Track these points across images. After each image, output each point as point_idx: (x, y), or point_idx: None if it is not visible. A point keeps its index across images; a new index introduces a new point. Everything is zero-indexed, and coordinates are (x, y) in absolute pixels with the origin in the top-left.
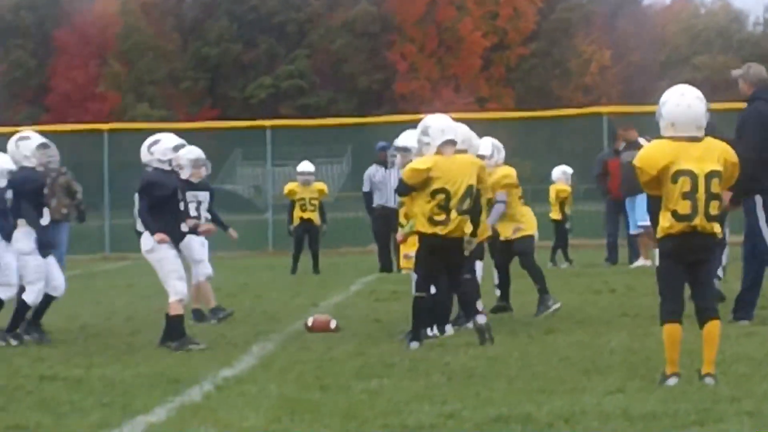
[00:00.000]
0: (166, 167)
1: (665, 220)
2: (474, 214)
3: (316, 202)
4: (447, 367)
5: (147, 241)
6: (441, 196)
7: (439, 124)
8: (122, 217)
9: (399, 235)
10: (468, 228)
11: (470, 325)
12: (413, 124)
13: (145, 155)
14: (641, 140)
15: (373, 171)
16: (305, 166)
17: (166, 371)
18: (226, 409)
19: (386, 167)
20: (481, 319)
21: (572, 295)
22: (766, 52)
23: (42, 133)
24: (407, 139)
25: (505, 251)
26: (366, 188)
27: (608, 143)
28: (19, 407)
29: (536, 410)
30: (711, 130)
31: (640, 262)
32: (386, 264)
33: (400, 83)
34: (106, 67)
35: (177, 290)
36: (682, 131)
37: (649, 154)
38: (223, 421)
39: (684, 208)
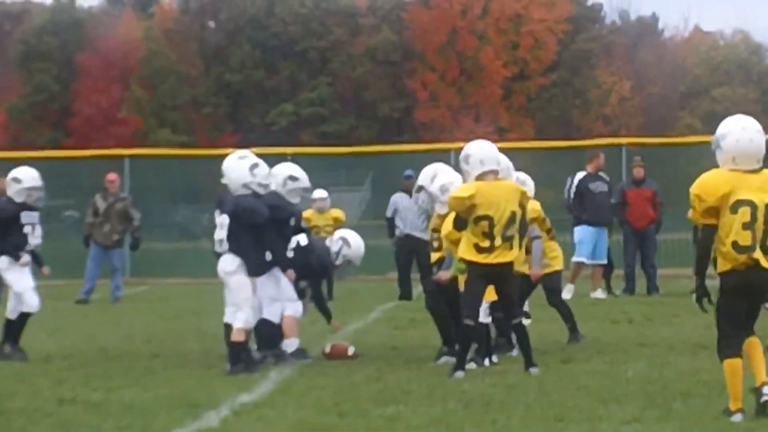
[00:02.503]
0: (262, 191)
1: (725, 256)
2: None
3: (330, 229)
4: (464, 394)
5: (230, 262)
6: (485, 223)
7: (480, 155)
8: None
9: (443, 275)
10: (512, 257)
11: (515, 353)
12: (433, 153)
13: (245, 176)
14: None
15: (398, 198)
16: (318, 192)
17: (184, 395)
18: None
19: (411, 195)
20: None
21: (590, 324)
22: None
23: (63, 159)
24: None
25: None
26: (389, 214)
27: (627, 173)
28: (38, 430)
29: None
30: None
31: (598, 293)
32: (406, 292)
33: (420, 111)
34: (128, 91)
35: (247, 319)
36: (742, 165)
37: (709, 182)
38: None
39: (744, 239)
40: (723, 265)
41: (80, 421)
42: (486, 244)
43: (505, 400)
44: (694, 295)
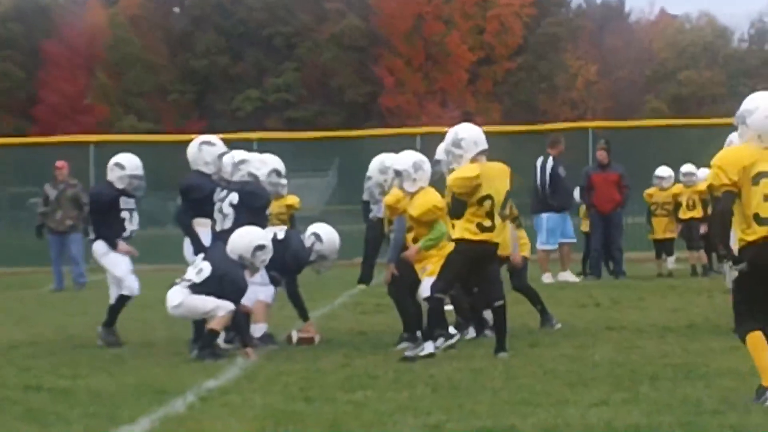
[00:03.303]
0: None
1: (745, 228)
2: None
3: (284, 217)
4: (432, 379)
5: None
6: (488, 203)
7: (473, 137)
8: None
9: (411, 252)
10: (501, 238)
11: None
12: (399, 138)
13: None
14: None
15: None
16: None
17: (151, 382)
18: (210, 420)
19: None
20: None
21: (557, 309)
22: (751, 68)
23: (28, 145)
24: (403, 161)
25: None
26: (365, 197)
27: (593, 157)
28: (4, 418)
29: (521, 422)
30: None
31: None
32: (366, 275)
33: (386, 97)
34: (94, 79)
35: (230, 308)
36: (767, 142)
37: (730, 155)
38: None
39: (766, 211)
40: (742, 239)
41: (47, 408)
42: (489, 223)
43: (472, 384)
44: (727, 264)
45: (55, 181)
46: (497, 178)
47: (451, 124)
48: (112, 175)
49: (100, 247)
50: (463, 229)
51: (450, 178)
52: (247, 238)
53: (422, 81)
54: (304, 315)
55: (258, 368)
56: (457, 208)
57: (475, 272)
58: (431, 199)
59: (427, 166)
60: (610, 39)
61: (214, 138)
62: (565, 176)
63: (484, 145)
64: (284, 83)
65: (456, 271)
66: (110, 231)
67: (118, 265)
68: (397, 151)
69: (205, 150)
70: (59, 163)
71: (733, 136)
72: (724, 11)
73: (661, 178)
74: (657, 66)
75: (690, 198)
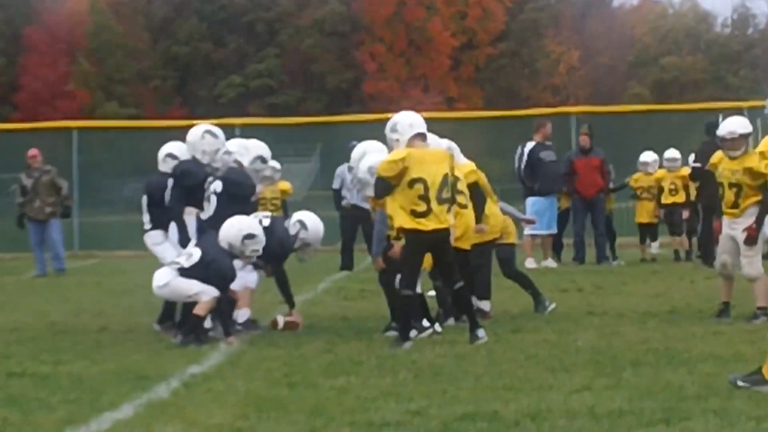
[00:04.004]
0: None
1: None
2: (452, 203)
3: (277, 202)
4: (414, 364)
5: None
6: (419, 186)
7: (408, 119)
8: (90, 215)
9: (396, 251)
10: (450, 219)
11: (451, 322)
12: (381, 123)
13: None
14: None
15: (344, 170)
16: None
17: (133, 368)
18: (193, 406)
19: None
20: (480, 334)
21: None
22: (733, 53)
23: (10, 131)
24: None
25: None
26: (336, 185)
27: (576, 143)
28: None
29: (503, 408)
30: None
31: (549, 262)
32: (347, 262)
33: (369, 83)
34: (75, 65)
35: (214, 294)
36: None
37: None
38: (190, 418)
39: None
40: None
41: (29, 394)
42: (422, 208)
43: (454, 370)
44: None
45: (29, 169)
46: (432, 163)
47: (433, 110)
48: (164, 166)
49: (155, 237)
50: (399, 216)
51: (380, 162)
52: (236, 227)
53: (404, 67)
54: (290, 302)
55: (241, 354)
56: (378, 188)
57: (435, 259)
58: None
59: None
60: (592, 24)
61: (218, 130)
62: (551, 160)
63: (421, 128)
64: (266, 69)
65: (411, 262)
66: (164, 220)
67: (169, 256)
68: (378, 136)
69: (207, 139)
70: (31, 152)
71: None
72: None
73: (646, 163)
74: (639, 51)
75: (672, 183)
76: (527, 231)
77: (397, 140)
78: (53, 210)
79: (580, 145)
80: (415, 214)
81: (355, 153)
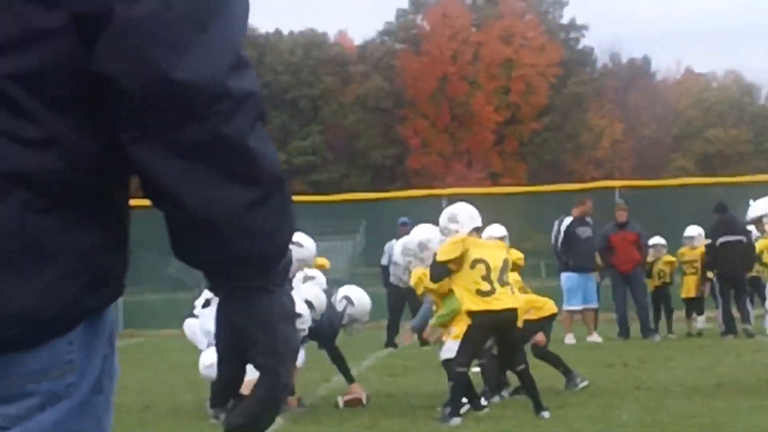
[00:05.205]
0: None
1: None
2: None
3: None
4: None
5: None
6: (481, 266)
7: (468, 212)
8: (135, 294)
9: (427, 333)
10: (517, 303)
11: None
12: (425, 199)
13: None
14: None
15: (392, 245)
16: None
17: None
18: None
19: None
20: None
21: (585, 369)
22: None
23: None
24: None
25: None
26: (384, 262)
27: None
28: None
29: None
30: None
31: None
32: (392, 339)
33: (412, 158)
34: None
35: None
36: None
37: None
38: None
39: None
40: None
41: None
42: (486, 287)
43: None
44: None
45: None
46: (491, 247)
47: (477, 185)
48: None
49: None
50: (467, 299)
51: (444, 245)
52: None
53: (448, 142)
54: (349, 377)
55: (284, 431)
56: (435, 273)
57: (499, 339)
58: (417, 270)
59: (433, 244)
60: (636, 98)
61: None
62: (586, 237)
63: (479, 223)
64: (309, 146)
65: (475, 344)
66: None
67: None
68: (423, 212)
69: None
70: None
71: None
72: (751, 67)
73: (691, 237)
74: (683, 124)
75: None
76: (565, 307)
77: (457, 231)
78: None
79: (617, 220)
80: (480, 294)
81: (397, 248)
